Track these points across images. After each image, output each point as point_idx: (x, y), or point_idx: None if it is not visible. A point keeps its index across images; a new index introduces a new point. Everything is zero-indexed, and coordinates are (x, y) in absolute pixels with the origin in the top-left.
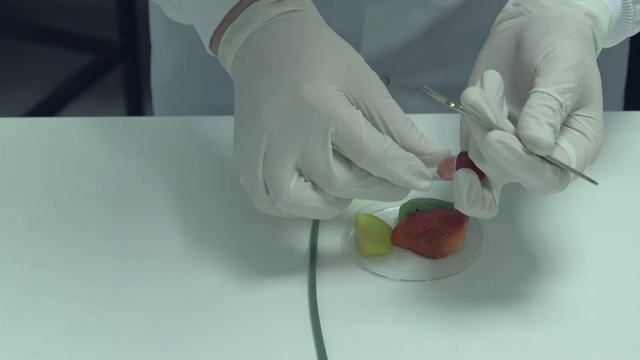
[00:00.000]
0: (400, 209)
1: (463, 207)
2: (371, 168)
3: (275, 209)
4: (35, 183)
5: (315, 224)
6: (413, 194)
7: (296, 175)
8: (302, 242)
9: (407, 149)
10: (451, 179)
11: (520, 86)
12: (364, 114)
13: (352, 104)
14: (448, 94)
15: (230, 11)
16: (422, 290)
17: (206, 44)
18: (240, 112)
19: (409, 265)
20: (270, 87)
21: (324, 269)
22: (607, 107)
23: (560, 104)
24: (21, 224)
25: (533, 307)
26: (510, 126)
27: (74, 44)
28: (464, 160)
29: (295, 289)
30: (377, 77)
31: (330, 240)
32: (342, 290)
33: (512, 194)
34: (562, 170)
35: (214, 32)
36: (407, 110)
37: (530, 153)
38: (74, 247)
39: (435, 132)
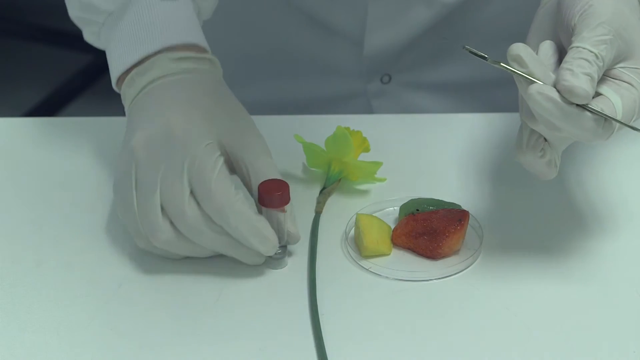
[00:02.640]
0: (400, 209)
1: (522, 151)
2: (214, 215)
3: (153, 247)
4: (35, 183)
5: (315, 224)
6: (413, 194)
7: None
8: (302, 242)
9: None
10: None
11: (565, 49)
12: (236, 168)
13: (220, 152)
14: (450, 91)
15: (142, 58)
16: (422, 291)
17: (114, 80)
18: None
19: (409, 265)
20: (145, 119)
21: (324, 269)
22: None
23: (596, 55)
24: (21, 225)
25: (533, 308)
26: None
27: (74, 44)
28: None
29: (295, 289)
30: (258, 137)
31: (331, 241)
32: (342, 290)
33: (511, 194)
34: (606, 119)
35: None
36: (409, 107)
37: (570, 103)
38: (74, 247)
39: (443, 133)
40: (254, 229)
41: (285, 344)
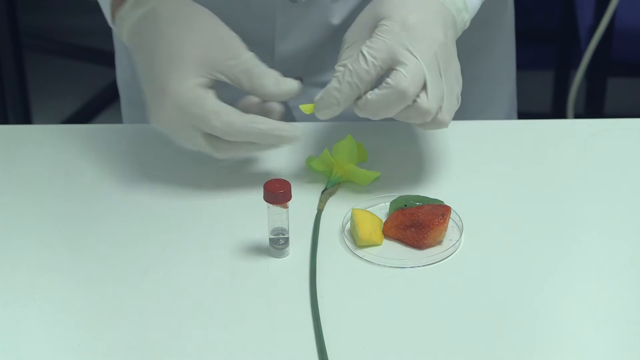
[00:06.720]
0: (390, 204)
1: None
2: (245, 139)
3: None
4: (70, 181)
5: (317, 219)
6: (402, 191)
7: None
8: (305, 234)
9: (268, 95)
10: None
11: None
12: (231, 80)
13: (213, 91)
14: None
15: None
16: (409, 276)
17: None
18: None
19: (398, 254)
20: (153, 89)
21: (325, 258)
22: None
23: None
24: (58, 217)
25: (505, 290)
26: None
27: (106, 60)
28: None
29: (298, 275)
30: (233, 40)
31: (330, 233)
32: (339, 276)
33: (488, 192)
34: None
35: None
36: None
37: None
38: (103, 240)
39: (428, 139)
40: (274, 131)
41: (288, 322)
